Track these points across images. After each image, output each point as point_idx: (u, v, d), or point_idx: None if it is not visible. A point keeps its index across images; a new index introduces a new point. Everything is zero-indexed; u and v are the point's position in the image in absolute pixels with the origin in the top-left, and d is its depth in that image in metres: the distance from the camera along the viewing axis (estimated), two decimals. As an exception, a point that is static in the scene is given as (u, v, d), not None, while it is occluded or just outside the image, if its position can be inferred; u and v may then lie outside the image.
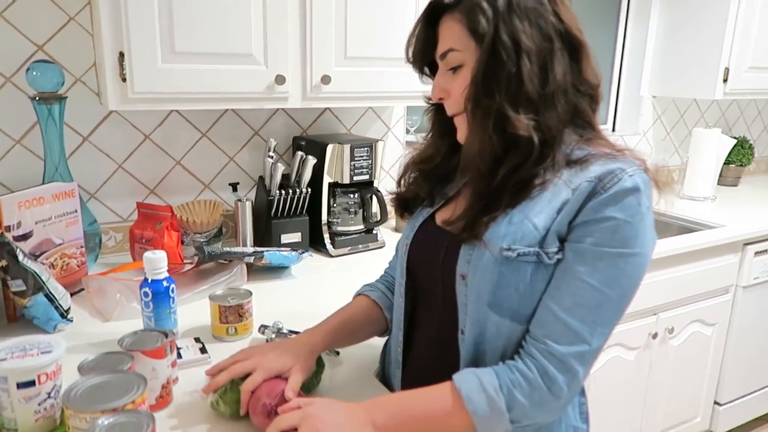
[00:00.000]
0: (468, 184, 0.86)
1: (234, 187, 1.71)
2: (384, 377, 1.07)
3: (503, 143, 0.79)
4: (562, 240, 0.78)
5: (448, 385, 0.78)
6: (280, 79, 1.46)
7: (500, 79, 0.78)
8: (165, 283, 1.12)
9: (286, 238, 1.68)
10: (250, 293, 1.22)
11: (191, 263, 1.49)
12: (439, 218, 0.94)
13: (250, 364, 0.90)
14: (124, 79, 1.32)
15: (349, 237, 1.76)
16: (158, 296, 1.11)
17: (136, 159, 1.67)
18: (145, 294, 1.11)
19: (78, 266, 1.41)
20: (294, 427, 0.76)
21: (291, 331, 1.19)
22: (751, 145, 2.80)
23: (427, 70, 0.93)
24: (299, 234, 1.70)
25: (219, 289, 1.34)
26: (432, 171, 0.98)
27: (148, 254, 1.12)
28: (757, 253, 2.17)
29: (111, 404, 0.75)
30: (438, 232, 0.92)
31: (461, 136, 0.88)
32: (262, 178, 1.71)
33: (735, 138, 2.65)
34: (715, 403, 2.33)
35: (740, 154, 2.74)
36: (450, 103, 0.87)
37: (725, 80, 2.38)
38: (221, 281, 1.42)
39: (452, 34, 0.83)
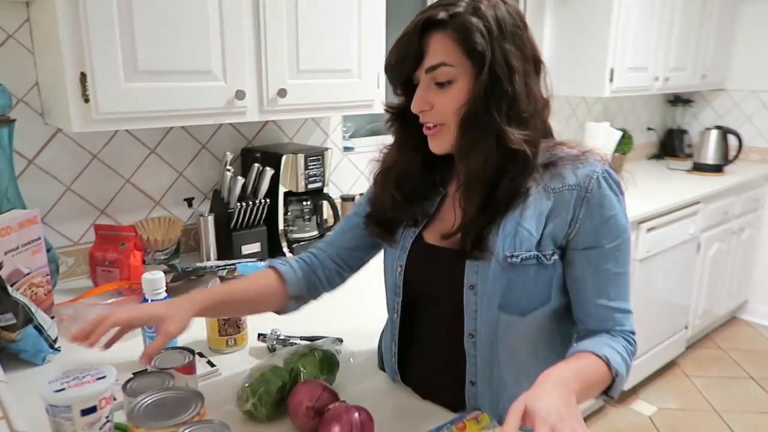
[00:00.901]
0: (466, 199, 0.92)
1: (189, 202, 1.71)
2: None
3: (502, 157, 0.88)
4: (557, 244, 0.91)
5: (594, 357, 0.87)
6: (240, 94, 1.50)
7: (498, 98, 0.86)
8: (165, 303, 1.14)
9: (246, 249, 1.72)
10: (245, 304, 1.26)
11: (158, 281, 1.49)
12: (429, 237, 1.00)
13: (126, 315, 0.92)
14: (86, 100, 1.30)
15: (305, 243, 1.83)
16: (160, 316, 1.13)
17: (84, 180, 1.62)
18: (147, 315, 1.12)
19: (45, 295, 1.35)
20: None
21: (288, 337, 1.25)
22: (630, 135, 3.20)
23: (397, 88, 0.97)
24: (258, 244, 1.74)
25: None
26: (410, 192, 1.00)
27: (147, 275, 1.14)
28: (648, 230, 2.52)
29: (181, 418, 0.79)
30: (432, 250, 0.98)
31: (439, 146, 0.93)
32: (217, 192, 1.73)
33: (621, 130, 3.02)
34: (622, 363, 2.66)
35: (623, 143, 3.11)
36: (432, 114, 0.91)
37: (611, 80, 2.71)
38: (198, 296, 1.44)
39: (445, 50, 0.86)
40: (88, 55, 1.27)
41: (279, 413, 0.98)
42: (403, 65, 0.90)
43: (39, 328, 1.15)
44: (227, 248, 1.69)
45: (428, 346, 1.04)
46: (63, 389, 0.80)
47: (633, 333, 0.95)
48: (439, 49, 0.87)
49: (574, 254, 0.92)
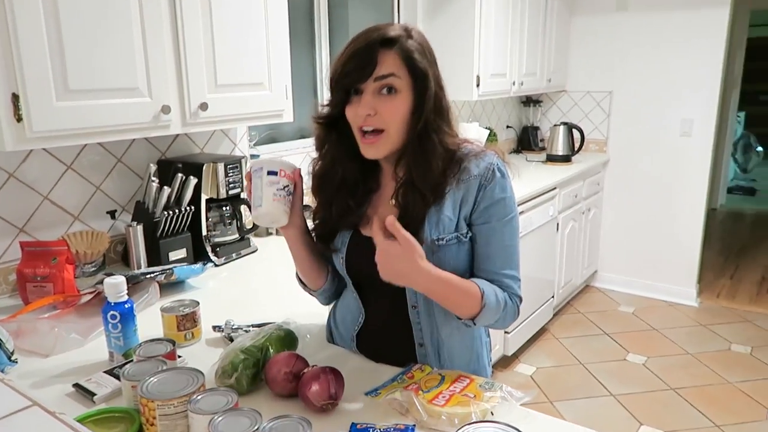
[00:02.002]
0: (408, 196, 1.09)
1: (112, 214, 1.76)
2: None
3: (446, 158, 1.10)
4: (467, 223, 1.13)
5: (475, 286, 1.09)
6: (166, 109, 1.59)
7: (438, 109, 1.08)
8: (127, 305, 1.24)
9: (173, 255, 1.80)
10: (197, 302, 1.38)
11: (92, 292, 1.54)
12: (365, 230, 1.16)
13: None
14: (19, 120, 1.33)
15: (228, 246, 1.94)
16: (125, 317, 1.22)
17: (1, 199, 1.61)
18: (113, 317, 1.21)
19: (-18, 314, 1.37)
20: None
21: (241, 326, 1.38)
22: (495, 133, 3.63)
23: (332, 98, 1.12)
24: (184, 250, 1.83)
25: (139, 309, 1.46)
26: (355, 199, 1.16)
27: (109, 280, 1.22)
28: (521, 212, 2.91)
29: (186, 390, 0.92)
30: (368, 242, 1.10)
31: (374, 152, 1.08)
32: (139, 203, 1.79)
33: (487, 128, 3.42)
34: (505, 332, 3.05)
35: (490, 140, 3.53)
36: (375, 119, 1.05)
37: (478, 85, 3.09)
38: (140, 302, 1.51)
39: (394, 64, 1.03)
40: (20, 76, 1.32)
41: (255, 385, 1.13)
42: (361, 73, 1.03)
43: (-2, 342, 1.19)
44: (155, 256, 1.76)
45: (377, 319, 1.23)
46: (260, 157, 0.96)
47: (518, 296, 1.16)
48: (390, 63, 1.04)
49: (472, 229, 1.14)
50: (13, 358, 1.24)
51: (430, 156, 1.08)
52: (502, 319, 1.15)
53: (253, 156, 2.32)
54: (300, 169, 1.16)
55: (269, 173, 1.11)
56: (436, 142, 1.08)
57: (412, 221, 1.10)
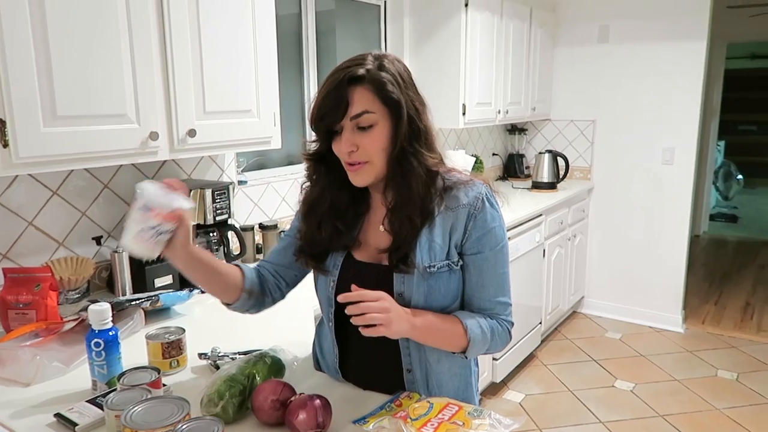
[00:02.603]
0: (397, 220, 1.12)
1: (98, 240, 1.74)
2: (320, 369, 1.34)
3: (427, 179, 1.12)
4: (458, 251, 1.14)
5: (458, 321, 1.11)
6: (154, 135, 1.59)
7: (416, 133, 1.10)
8: (111, 332, 1.22)
9: (159, 282, 1.78)
10: (183, 329, 1.36)
11: (75, 319, 1.52)
12: (358, 255, 1.19)
13: None
14: (5, 145, 1.33)
15: (214, 272, 1.93)
16: (109, 344, 1.21)
17: (-15, 225, 1.59)
18: (97, 344, 1.19)
19: (-38, 342, 1.34)
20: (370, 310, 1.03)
21: (227, 354, 1.37)
22: (481, 160, 3.67)
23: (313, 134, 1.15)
24: (170, 276, 1.81)
25: (124, 336, 1.44)
26: (344, 222, 1.19)
27: (94, 307, 1.21)
28: (509, 239, 2.92)
29: (172, 419, 0.90)
30: (360, 266, 1.17)
31: (361, 180, 1.11)
32: (125, 229, 1.77)
33: (473, 156, 3.46)
34: (493, 359, 3.03)
35: (476, 167, 3.56)
36: (358, 154, 1.08)
37: (464, 114, 3.13)
38: (125, 329, 1.49)
39: (366, 100, 1.06)
40: (8, 103, 1.32)
41: (241, 414, 1.11)
42: (336, 115, 1.06)
43: (-21, 370, 1.16)
44: (140, 282, 1.74)
45: (364, 346, 1.20)
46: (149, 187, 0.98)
47: (509, 322, 1.18)
48: (361, 100, 1.06)
49: (464, 258, 1.15)
50: (-8, 387, 1.21)
51: (410, 178, 1.10)
52: (494, 346, 1.17)
53: (240, 182, 2.33)
54: (180, 210, 1.04)
55: (144, 208, 1.01)
56: (414, 165, 1.10)
57: (404, 245, 1.12)
